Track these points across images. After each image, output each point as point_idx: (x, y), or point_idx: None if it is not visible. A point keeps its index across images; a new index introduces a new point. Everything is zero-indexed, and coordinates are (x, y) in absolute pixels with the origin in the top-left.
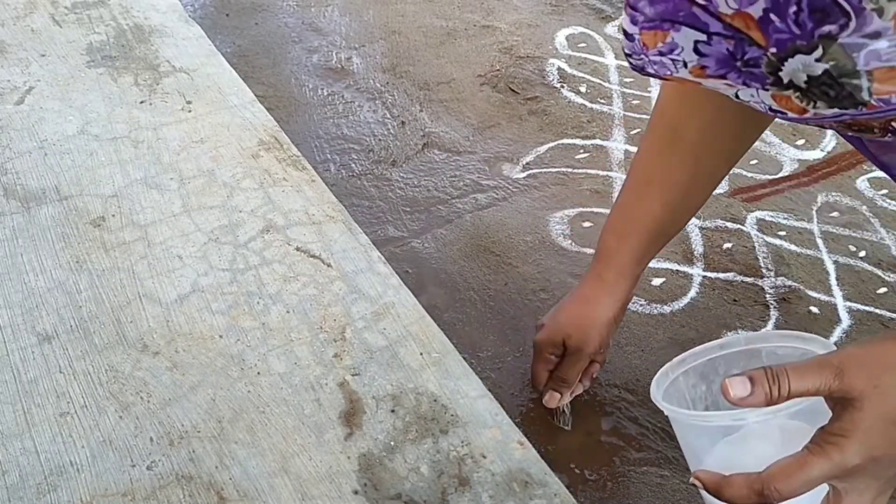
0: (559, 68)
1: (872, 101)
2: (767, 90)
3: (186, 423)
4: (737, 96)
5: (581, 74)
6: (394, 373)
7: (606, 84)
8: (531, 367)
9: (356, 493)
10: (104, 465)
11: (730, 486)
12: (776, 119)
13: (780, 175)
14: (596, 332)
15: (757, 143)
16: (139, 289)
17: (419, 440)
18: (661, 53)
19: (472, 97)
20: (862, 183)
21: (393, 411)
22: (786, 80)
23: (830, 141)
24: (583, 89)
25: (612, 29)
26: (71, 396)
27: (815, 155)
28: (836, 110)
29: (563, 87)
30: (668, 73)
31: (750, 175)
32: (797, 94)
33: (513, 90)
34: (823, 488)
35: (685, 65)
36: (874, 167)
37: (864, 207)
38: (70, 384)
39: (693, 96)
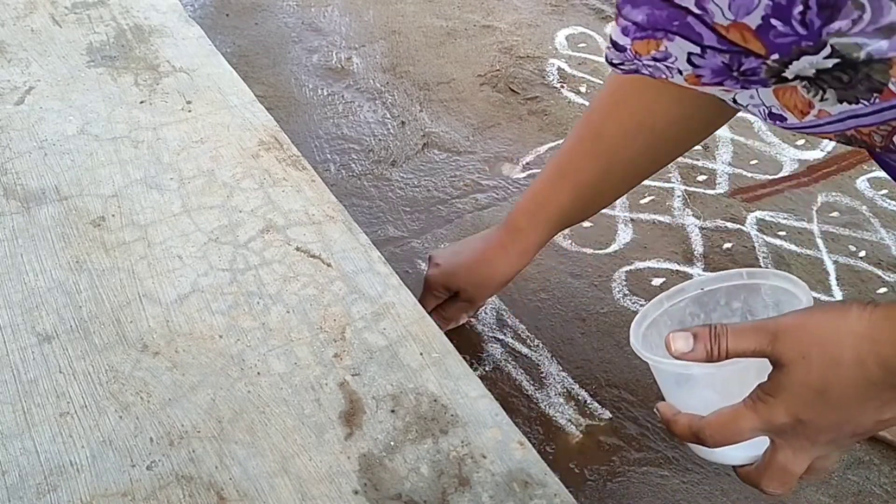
0: (559, 68)
1: (890, 86)
2: (769, 87)
3: (186, 423)
4: (734, 101)
5: (581, 74)
6: (394, 373)
7: None
8: (420, 297)
9: (356, 493)
10: (104, 465)
11: (676, 423)
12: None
13: (780, 175)
14: (490, 291)
15: (757, 143)
16: (139, 289)
17: (419, 440)
18: (655, 59)
19: (472, 97)
20: (862, 183)
21: (393, 411)
22: (791, 77)
23: (830, 141)
24: (583, 89)
25: (612, 28)
26: (71, 396)
27: (815, 155)
28: (843, 106)
29: (563, 87)
30: (664, 76)
31: (750, 175)
32: (804, 83)
33: (513, 90)
34: (766, 441)
35: (680, 72)
36: (874, 167)
37: (864, 207)
38: (70, 384)
39: (621, 100)
